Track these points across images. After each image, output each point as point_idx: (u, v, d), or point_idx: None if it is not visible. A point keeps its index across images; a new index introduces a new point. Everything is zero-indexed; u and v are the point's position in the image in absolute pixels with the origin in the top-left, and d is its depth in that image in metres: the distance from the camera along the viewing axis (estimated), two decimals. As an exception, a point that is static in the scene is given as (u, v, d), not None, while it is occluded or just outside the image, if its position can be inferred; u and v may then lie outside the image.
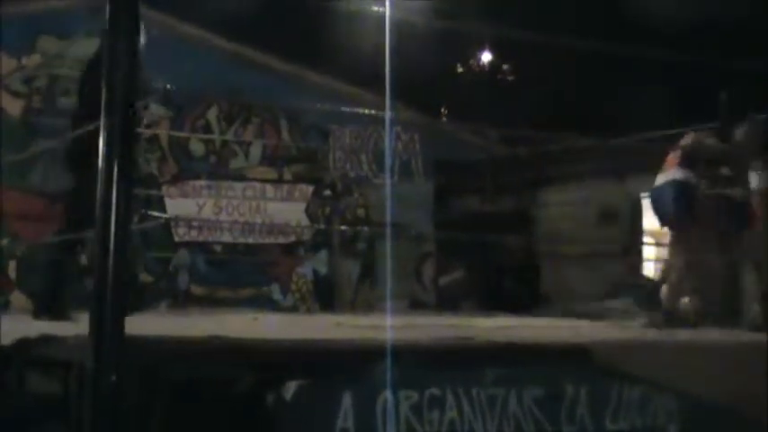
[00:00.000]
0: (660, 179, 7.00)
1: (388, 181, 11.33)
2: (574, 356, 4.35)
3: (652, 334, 5.81)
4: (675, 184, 6.80)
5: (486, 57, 14.93)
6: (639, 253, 11.36)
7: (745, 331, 6.18)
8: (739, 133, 6.79)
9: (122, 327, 2.90)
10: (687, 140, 6.99)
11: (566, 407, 4.20)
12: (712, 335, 6.12)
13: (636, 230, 12.46)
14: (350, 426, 3.64)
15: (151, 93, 9.23)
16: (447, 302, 10.39)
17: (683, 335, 5.96)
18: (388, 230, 8.97)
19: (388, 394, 3.72)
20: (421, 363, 3.89)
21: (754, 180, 6.66)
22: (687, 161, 6.83)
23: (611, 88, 12.28)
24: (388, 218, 10.51)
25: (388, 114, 7.13)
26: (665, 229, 7.16)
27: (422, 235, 11.22)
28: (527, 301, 9.87)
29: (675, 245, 7.07)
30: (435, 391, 3.88)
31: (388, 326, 4.65)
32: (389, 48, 5.35)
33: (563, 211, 11.76)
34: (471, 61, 15.15)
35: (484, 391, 4.00)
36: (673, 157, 6.96)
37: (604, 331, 5.89)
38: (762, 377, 4.65)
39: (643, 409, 4.39)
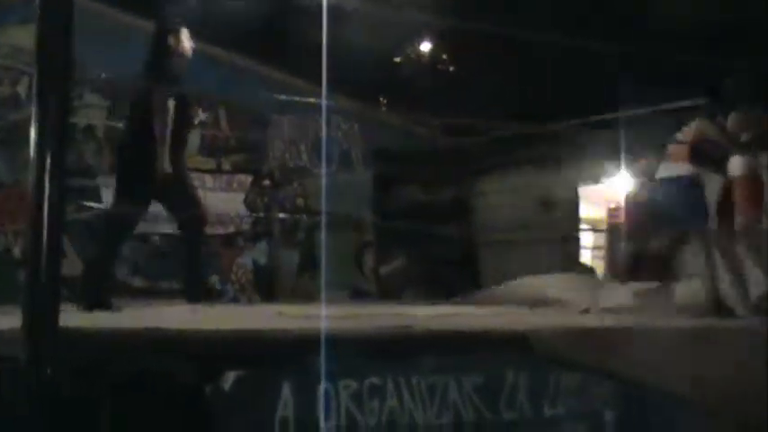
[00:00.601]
0: (666, 172, 6.98)
1: (323, 171, 11.32)
2: (513, 344, 4.39)
3: (590, 320, 5.87)
4: (688, 180, 6.79)
5: (428, 45, 14.93)
6: (578, 240, 11.49)
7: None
8: (731, 123, 6.80)
9: (56, 319, 2.87)
10: (696, 132, 6.94)
11: (505, 394, 4.24)
12: (653, 321, 6.22)
13: (574, 218, 12.62)
14: (289, 415, 3.64)
15: (86, 82, 9.12)
16: (388, 292, 10.42)
17: (622, 321, 6.03)
18: (323, 220, 8.97)
19: (326, 384, 3.72)
20: (361, 352, 3.90)
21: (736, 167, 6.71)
22: (698, 156, 6.80)
23: (555, 77, 12.36)
24: (323, 207, 10.51)
25: (324, 103, 7.11)
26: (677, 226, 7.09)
27: (362, 224, 11.23)
28: (468, 290, 9.92)
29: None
30: (375, 380, 3.89)
31: (324, 315, 4.63)
32: (326, 36, 5.33)
33: (503, 199, 11.85)
34: (412, 50, 15.14)
35: (424, 380, 4.02)
36: (679, 149, 6.91)
37: (544, 318, 5.94)
38: (701, 360, 4.73)
39: (581, 395, 4.44)
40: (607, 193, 13.00)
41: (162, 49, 6.58)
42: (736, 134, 6.69)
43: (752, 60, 6.78)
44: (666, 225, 7.00)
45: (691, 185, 6.79)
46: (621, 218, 12.08)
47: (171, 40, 6.60)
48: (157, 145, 6.29)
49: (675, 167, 6.87)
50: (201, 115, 11.04)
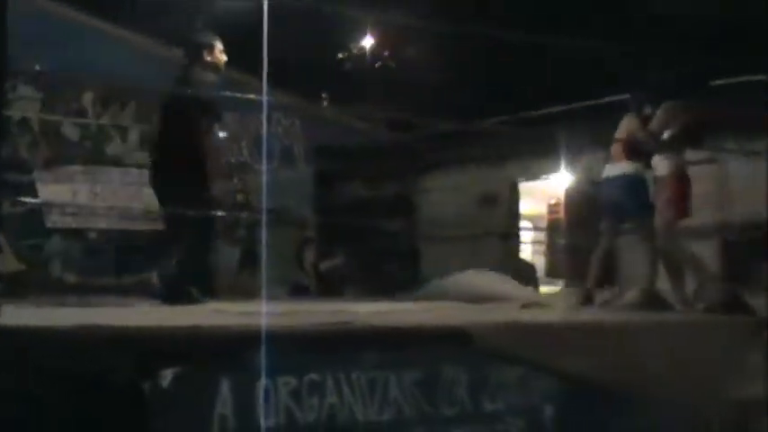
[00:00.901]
0: (610, 171, 7.03)
1: (264, 167, 11.27)
2: (453, 339, 4.40)
3: (529, 315, 5.92)
4: (627, 179, 6.87)
5: (370, 41, 14.93)
6: (517, 236, 11.58)
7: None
8: (655, 119, 6.85)
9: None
10: (625, 129, 7.00)
11: (445, 389, 4.25)
12: (587, 315, 6.28)
13: (514, 214, 12.71)
14: (228, 413, 3.61)
15: (20, 74, 8.96)
16: (328, 288, 10.40)
17: (560, 316, 6.09)
18: (264, 217, 8.93)
19: (266, 381, 3.70)
20: (300, 348, 3.88)
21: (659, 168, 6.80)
22: (631, 153, 6.88)
23: (497, 73, 12.43)
24: (270, 203, 10.46)
25: (265, 99, 7.06)
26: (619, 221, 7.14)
27: (302, 221, 11.20)
28: (409, 286, 9.95)
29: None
30: (315, 376, 3.88)
31: (264, 312, 4.61)
32: (267, 32, 5.30)
33: (445, 195, 11.90)
34: (354, 46, 15.13)
35: (364, 376, 4.02)
36: (617, 147, 6.98)
37: (485, 314, 5.97)
38: (635, 355, 4.80)
39: (521, 390, 4.47)
40: (547, 189, 13.13)
41: (198, 64, 6.71)
42: (658, 131, 6.77)
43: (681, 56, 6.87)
44: (611, 222, 7.07)
45: (630, 183, 6.86)
46: (561, 213, 12.21)
47: (206, 55, 6.75)
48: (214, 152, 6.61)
49: (617, 167, 6.96)
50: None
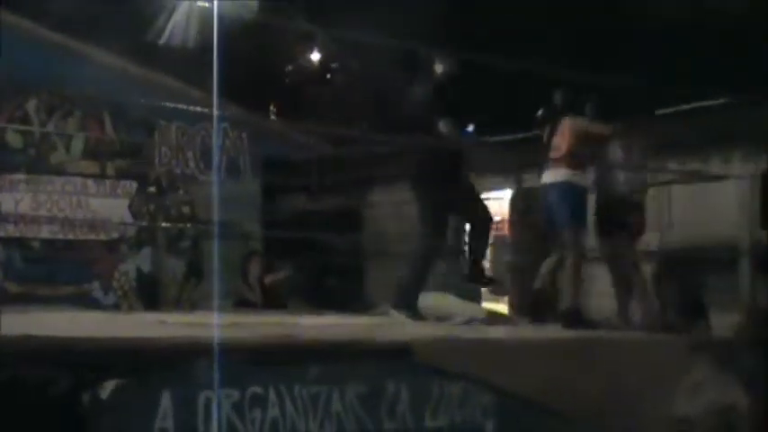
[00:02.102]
0: (547, 178, 6.89)
1: (215, 179, 11.23)
2: (396, 354, 4.42)
3: (470, 331, 5.95)
4: (564, 186, 6.73)
5: (317, 56, 14.95)
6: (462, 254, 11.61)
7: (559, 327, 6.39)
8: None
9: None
10: (570, 131, 6.86)
11: (387, 404, 4.26)
12: (528, 332, 6.34)
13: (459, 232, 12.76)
14: (169, 426, 3.59)
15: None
16: (273, 301, 10.36)
17: (499, 332, 6.14)
18: (216, 229, 8.89)
19: (207, 393, 3.69)
20: (243, 361, 3.87)
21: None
22: (570, 160, 6.76)
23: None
24: (216, 216, 10.41)
25: (215, 112, 7.06)
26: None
27: (248, 233, 11.16)
28: (353, 300, 9.95)
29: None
30: (257, 389, 3.87)
31: (210, 324, 4.59)
32: (217, 44, 5.31)
33: (390, 210, 11.92)
34: (302, 59, 15.14)
35: (306, 389, 4.02)
36: (556, 154, 6.86)
37: (427, 329, 6.00)
38: (571, 372, 4.85)
39: (462, 406, 4.50)
40: (494, 206, 13.22)
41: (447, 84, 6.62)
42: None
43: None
44: (549, 231, 7.04)
45: (566, 191, 6.72)
46: (506, 231, 12.30)
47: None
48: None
49: (556, 173, 6.85)
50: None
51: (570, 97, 6.89)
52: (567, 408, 4.77)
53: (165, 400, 3.59)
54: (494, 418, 4.58)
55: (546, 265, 7.02)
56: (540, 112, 7.07)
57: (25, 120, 10.44)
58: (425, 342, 4.68)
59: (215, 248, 10.59)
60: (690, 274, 8.03)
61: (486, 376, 4.57)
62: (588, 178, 6.87)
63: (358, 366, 4.22)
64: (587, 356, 5.10)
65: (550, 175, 6.79)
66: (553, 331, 6.27)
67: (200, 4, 5.09)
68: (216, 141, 11.43)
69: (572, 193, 6.68)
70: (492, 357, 4.75)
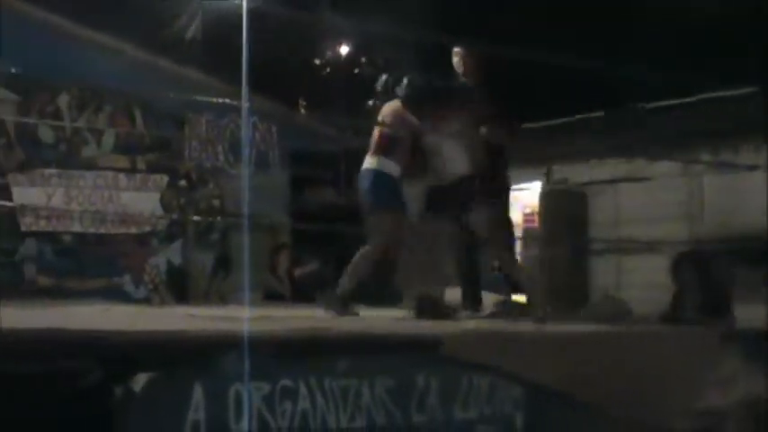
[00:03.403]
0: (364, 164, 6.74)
1: (245, 172, 11.26)
2: (426, 347, 4.42)
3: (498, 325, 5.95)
4: (372, 173, 6.61)
5: (346, 48, 14.97)
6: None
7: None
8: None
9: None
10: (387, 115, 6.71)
11: (417, 397, 4.27)
12: (560, 326, 6.32)
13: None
14: (200, 418, 3.61)
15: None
16: (302, 294, 10.39)
17: (528, 326, 6.13)
18: (246, 222, 8.91)
19: (239, 386, 3.71)
20: (273, 354, 3.89)
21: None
22: (378, 147, 6.63)
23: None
24: (245, 209, 10.45)
25: (245, 104, 7.07)
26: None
27: (277, 226, 11.18)
28: (383, 293, 9.96)
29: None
30: (288, 382, 3.88)
31: (240, 317, 4.61)
32: (247, 37, 5.33)
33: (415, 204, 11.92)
34: (331, 52, 15.16)
35: (337, 382, 4.03)
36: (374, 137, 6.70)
37: (455, 322, 6.00)
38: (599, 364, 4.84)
39: (492, 398, 4.50)
40: (523, 197, 13.19)
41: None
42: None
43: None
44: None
45: (374, 179, 6.61)
46: (536, 222, 12.27)
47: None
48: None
49: (369, 160, 6.72)
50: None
51: (392, 81, 6.70)
52: (596, 400, 4.76)
53: (197, 393, 3.61)
54: (523, 411, 4.58)
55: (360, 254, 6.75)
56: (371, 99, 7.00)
57: (57, 115, 10.52)
58: (454, 335, 4.68)
59: (244, 241, 10.63)
60: (717, 265, 7.96)
61: (514, 369, 4.57)
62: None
63: (388, 359, 4.23)
64: (615, 349, 5.08)
65: (365, 162, 6.70)
66: (582, 324, 6.25)
67: (227, -2, 5.14)
68: (245, 134, 11.46)
69: (380, 181, 6.56)
70: (520, 350, 4.74)
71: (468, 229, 6.79)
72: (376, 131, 6.64)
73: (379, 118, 6.67)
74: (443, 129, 6.49)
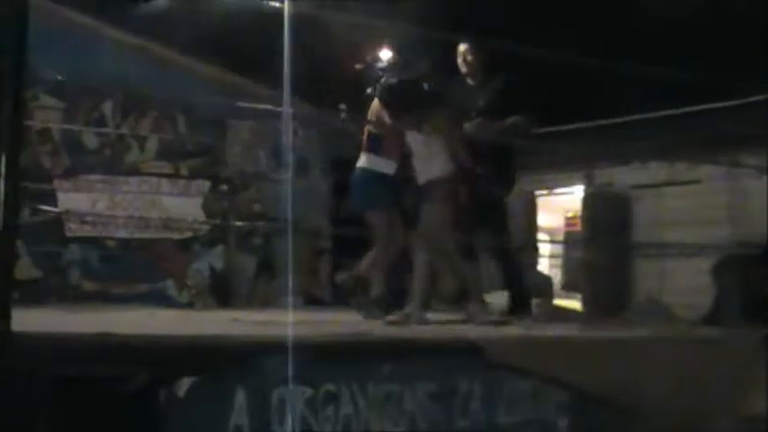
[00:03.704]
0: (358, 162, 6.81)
1: (286, 177, 11.29)
2: (468, 351, 4.41)
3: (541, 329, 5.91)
4: (358, 171, 6.70)
5: (388, 53, 14.95)
6: (535, 249, 11.56)
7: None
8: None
9: (8, 323, 2.84)
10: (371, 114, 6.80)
11: (459, 402, 4.25)
12: (597, 330, 6.28)
13: (531, 227, 12.69)
14: (244, 423, 3.63)
15: (41, 83, 9.02)
16: (343, 299, 10.40)
17: (570, 329, 6.09)
18: (288, 226, 8.95)
19: (282, 390, 3.72)
20: (316, 358, 3.90)
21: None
22: (367, 145, 6.69)
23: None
24: (287, 214, 10.48)
25: (286, 110, 7.10)
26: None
27: (318, 231, 11.20)
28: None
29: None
30: (331, 386, 3.89)
31: (282, 321, 4.62)
32: (288, 42, 5.34)
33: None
34: (372, 57, 15.16)
35: (379, 387, 4.03)
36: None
37: (497, 328, 5.97)
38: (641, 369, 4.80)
39: (535, 403, 4.47)
40: (565, 202, 13.13)
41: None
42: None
43: None
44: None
45: (363, 178, 6.67)
46: (578, 226, 12.20)
47: None
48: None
49: (361, 158, 6.79)
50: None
51: (378, 80, 6.72)
52: (639, 405, 4.72)
53: (240, 398, 3.63)
54: (567, 416, 4.55)
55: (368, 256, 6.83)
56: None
57: (101, 121, 10.62)
58: (497, 340, 4.66)
59: (286, 246, 10.65)
60: (759, 269, 7.87)
61: (556, 373, 4.54)
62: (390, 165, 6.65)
63: (430, 364, 4.22)
64: (658, 352, 5.04)
65: (358, 161, 6.73)
66: (624, 329, 6.20)
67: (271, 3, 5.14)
68: (286, 139, 11.49)
69: (370, 179, 6.60)
70: (563, 354, 4.72)
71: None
72: (365, 130, 6.72)
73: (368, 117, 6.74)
74: (418, 128, 6.46)
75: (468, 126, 6.73)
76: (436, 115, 6.43)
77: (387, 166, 6.56)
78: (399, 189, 6.68)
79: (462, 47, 6.93)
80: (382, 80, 6.63)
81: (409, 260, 6.74)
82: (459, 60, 6.99)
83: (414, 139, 6.50)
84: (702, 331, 6.09)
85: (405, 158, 6.63)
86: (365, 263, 6.80)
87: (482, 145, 6.54)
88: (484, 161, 6.59)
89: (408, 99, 6.46)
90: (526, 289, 7.01)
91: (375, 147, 6.61)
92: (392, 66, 6.78)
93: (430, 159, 6.44)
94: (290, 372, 3.70)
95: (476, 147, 6.54)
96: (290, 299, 7.00)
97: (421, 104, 6.46)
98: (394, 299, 6.66)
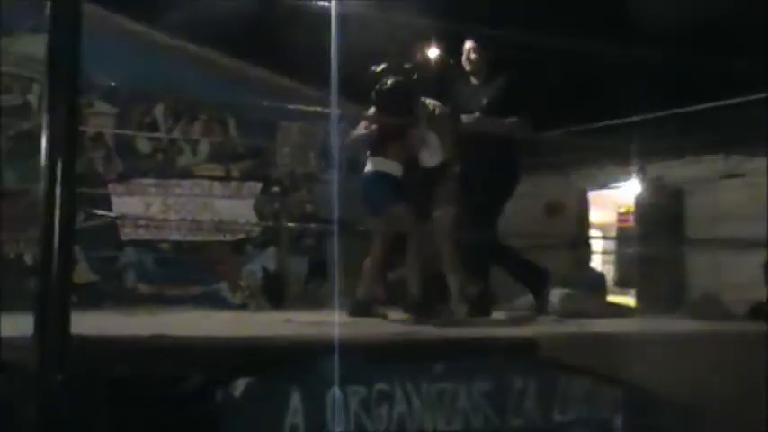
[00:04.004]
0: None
1: (335, 177, 11.32)
2: (522, 349, 4.39)
3: (597, 326, 5.86)
4: (366, 174, 6.73)
5: (435, 51, 14.91)
6: (588, 245, 11.49)
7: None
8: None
9: (67, 326, 2.88)
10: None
11: (514, 400, 4.24)
12: (658, 326, 6.22)
13: (583, 223, 12.62)
14: (299, 422, 3.65)
15: (95, 89, 9.14)
16: (396, 298, 10.40)
17: (625, 326, 6.04)
18: (337, 227, 8.95)
19: (336, 390, 3.73)
20: (369, 358, 3.91)
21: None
22: (372, 148, 6.71)
23: (563, 82, 12.34)
24: (337, 214, 10.50)
25: (334, 111, 7.12)
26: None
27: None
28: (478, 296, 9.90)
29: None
30: (384, 386, 3.89)
31: (335, 322, 4.64)
32: (335, 43, 5.36)
33: (514, 205, 11.86)
34: (419, 56, 15.13)
35: (433, 386, 4.03)
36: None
37: (550, 325, 5.94)
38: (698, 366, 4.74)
39: (590, 401, 4.44)
40: (617, 197, 13.02)
41: None
42: None
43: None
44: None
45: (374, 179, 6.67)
46: (631, 222, 12.09)
47: None
48: None
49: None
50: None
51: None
52: (696, 402, 4.67)
53: (295, 397, 3.65)
54: (622, 414, 4.51)
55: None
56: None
57: (153, 126, 10.74)
58: (551, 337, 4.64)
59: (336, 247, 10.68)
60: None
61: (611, 371, 4.51)
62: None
63: (484, 363, 4.21)
64: (714, 348, 4.97)
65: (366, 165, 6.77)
66: (680, 325, 6.14)
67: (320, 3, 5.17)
68: (334, 140, 11.52)
69: (377, 181, 6.63)
70: (617, 351, 4.68)
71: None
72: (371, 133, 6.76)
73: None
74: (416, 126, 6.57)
75: (466, 121, 6.75)
76: (429, 112, 6.61)
77: (395, 167, 6.61)
78: (408, 189, 6.71)
79: (468, 44, 6.94)
80: (377, 85, 6.69)
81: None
82: (464, 58, 7.00)
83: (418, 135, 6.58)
84: (758, 326, 6.00)
85: (412, 160, 6.66)
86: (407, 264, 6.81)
87: (480, 143, 6.56)
88: (479, 159, 6.60)
89: (398, 103, 6.54)
90: (487, 293, 6.90)
91: (378, 149, 6.63)
92: (385, 70, 6.81)
93: (429, 153, 6.58)
94: (341, 372, 3.72)
95: (471, 144, 6.57)
96: (336, 299, 7.02)
97: (410, 108, 6.59)
98: (436, 298, 6.67)
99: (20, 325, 3.17)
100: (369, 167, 6.70)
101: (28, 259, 9.69)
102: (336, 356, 3.71)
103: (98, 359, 3.29)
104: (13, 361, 3.18)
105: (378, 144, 6.64)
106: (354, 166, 11.82)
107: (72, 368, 2.89)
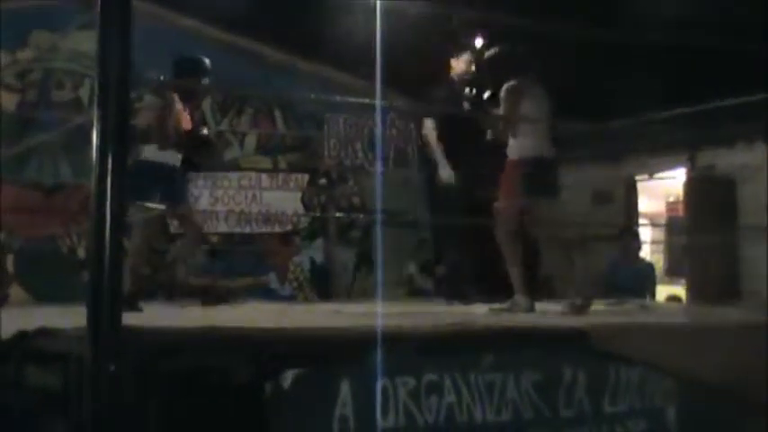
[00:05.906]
0: None
1: (381, 169, 11.34)
2: (571, 340, 4.37)
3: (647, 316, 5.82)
4: None
5: (481, 43, 14.85)
6: (636, 235, 11.37)
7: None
8: None
9: (119, 317, 2.92)
10: None
11: (564, 391, 4.22)
12: (708, 317, 6.15)
13: (632, 213, 12.49)
14: (348, 413, 3.66)
15: (145, 83, 9.21)
16: (446, 290, 10.39)
17: (679, 317, 5.98)
18: (384, 218, 9.00)
19: (385, 381, 3.74)
20: (418, 349, 3.91)
21: None
22: None
23: (613, 74, 12.23)
24: (384, 205, 10.52)
25: (378, 102, 7.15)
26: None
27: (418, 222, 11.21)
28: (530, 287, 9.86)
29: None
30: (433, 376, 3.89)
31: (383, 313, 4.64)
32: (380, 35, 5.36)
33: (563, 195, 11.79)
34: (467, 47, 15.07)
35: (482, 376, 4.02)
36: None
37: (601, 315, 5.91)
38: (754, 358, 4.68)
39: (642, 392, 4.41)
40: (666, 186, 12.88)
41: None
42: None
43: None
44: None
45: None
46: (681, 211, 11.96)
47: None
48: None
49: None
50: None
51: None
52: (751, 394, 4.61)
53: (344, 388, 3.66)
54: (675, 405, 4.48)
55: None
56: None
57: (202, 118, 10.81)
58: (601, 328, 4.61)
59: (384, 238, 10.70)
60: None
61: (663, 362, 4.47)
62: None
63: (533, 353, 4.19)
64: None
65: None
66: (734, 316, 6.07)
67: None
68: (380, 132, 11.52)
69: None
70: (671, 342, 4.64)
71: None
72: None
73: None
74: None
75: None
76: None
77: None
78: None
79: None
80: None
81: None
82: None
83: None
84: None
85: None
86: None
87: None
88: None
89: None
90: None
91: None
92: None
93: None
94: (392, 363, 3.72)
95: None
96: (387, 291, 7.05)
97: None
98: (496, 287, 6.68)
99: (74, 317, 3.22)
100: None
101: (80, 252, 9.82)
102: (386, 347, 3.71)
103: (150, 351, 3.32)
104: (69, 352, 3.22)
105: None
106: (403, 158, 11.86)
107: (125, 360, 2.92)
